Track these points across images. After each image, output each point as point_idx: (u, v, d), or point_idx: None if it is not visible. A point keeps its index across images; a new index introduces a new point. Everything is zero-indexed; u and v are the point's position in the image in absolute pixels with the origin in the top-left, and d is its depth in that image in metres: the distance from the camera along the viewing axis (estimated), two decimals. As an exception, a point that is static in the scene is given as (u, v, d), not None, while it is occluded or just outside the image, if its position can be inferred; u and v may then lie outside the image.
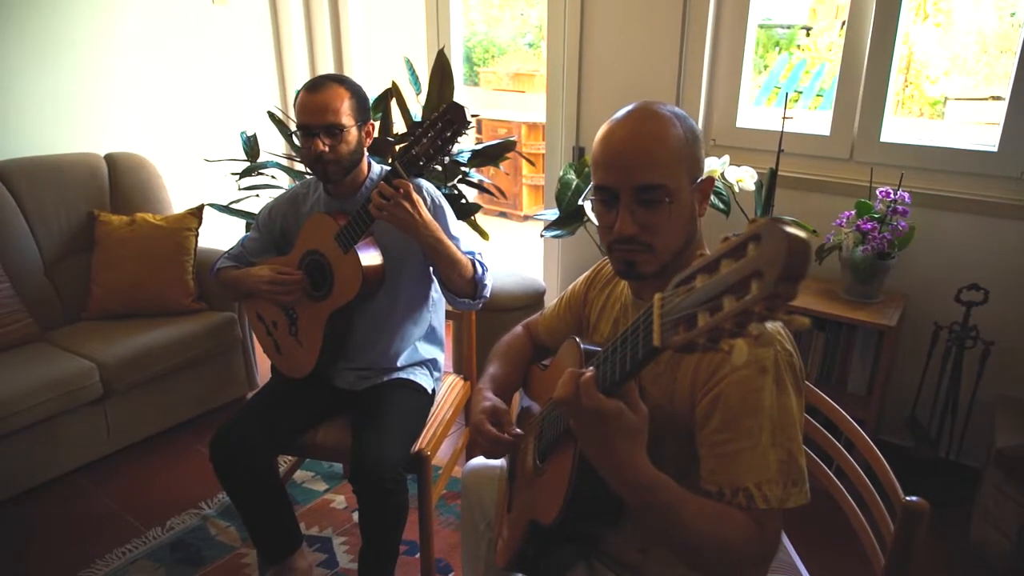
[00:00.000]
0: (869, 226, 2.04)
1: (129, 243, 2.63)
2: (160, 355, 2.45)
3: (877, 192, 2.08)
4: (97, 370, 2.30)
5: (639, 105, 1.00)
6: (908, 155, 2.24)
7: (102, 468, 2.39)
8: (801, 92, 4.89)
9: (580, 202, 1.82)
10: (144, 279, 2.61)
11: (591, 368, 0.83)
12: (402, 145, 1.87)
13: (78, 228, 2.68)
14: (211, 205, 2.65)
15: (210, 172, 3.06)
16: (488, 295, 1.78)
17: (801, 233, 0.60)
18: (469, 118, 1.56)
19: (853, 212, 2.13)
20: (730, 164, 2.24)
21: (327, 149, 1.66)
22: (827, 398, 1.37)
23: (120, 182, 2.79)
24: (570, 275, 3.05)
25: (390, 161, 1.64)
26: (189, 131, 3.23)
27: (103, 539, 2.09)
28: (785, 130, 2.26)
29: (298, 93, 1.71)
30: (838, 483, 1.35)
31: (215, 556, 2.03)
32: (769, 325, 0.97)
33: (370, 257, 1.71)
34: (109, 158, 2.81)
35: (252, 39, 3.44)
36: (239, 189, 2.68)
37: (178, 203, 2.93)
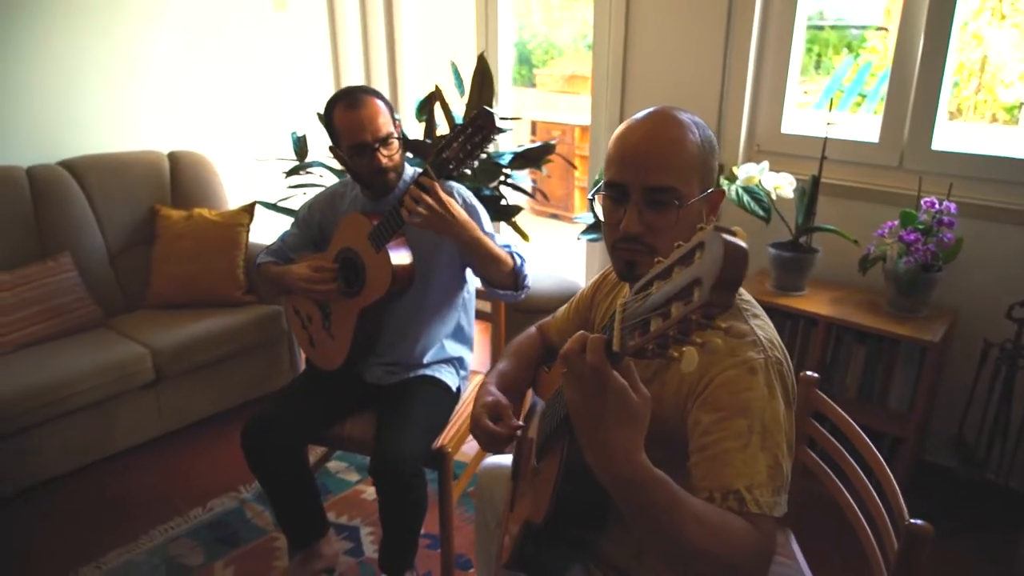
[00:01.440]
0: (912, 237, 1.96)
1: (186, 237, 2.77)
2: (209, 344, 2.58)
3: (921, 202, 2.01)
4: (150, 356, 2.44)
5: (659, 108, 1.00)
6: (960, 164, 2.15)
7: (152, 449, 2.53)
8: (865, 96, 4.72)
9: (588, 196, 1.82)
10: (199, 271, 2.74)
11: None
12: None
13: (141, 221, 2.84)
14: (260, 202, 2.76)
15: (264, 170, 3.19)
16: (530, 284, 1.79)
17: (740, 242, 0.60)
18: (499, 124, 1.59)
19: (896, 222, 2.06)
20: (770, 170, 2.20)
21: (389, 160, 1.72)
22: (840, 410, 1.34)
23: (180, 178, 2.94)
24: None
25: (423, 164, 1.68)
26: (246, 131, 3.37)
27: (149, 516, 2.21)
28: (832, 136, 2.21)
29: (329, 107, 1.74)
30: (850, 499, 1.31)
31: (250, 538, 2.12)
32: (761, 334, 0.96)
33: (400, 257, 1.76)
34: (172, 156, 2.96)
35: (309, 43, 3.56)
36: (288, 187, 2.79)
37: (234, 199, 3.06)
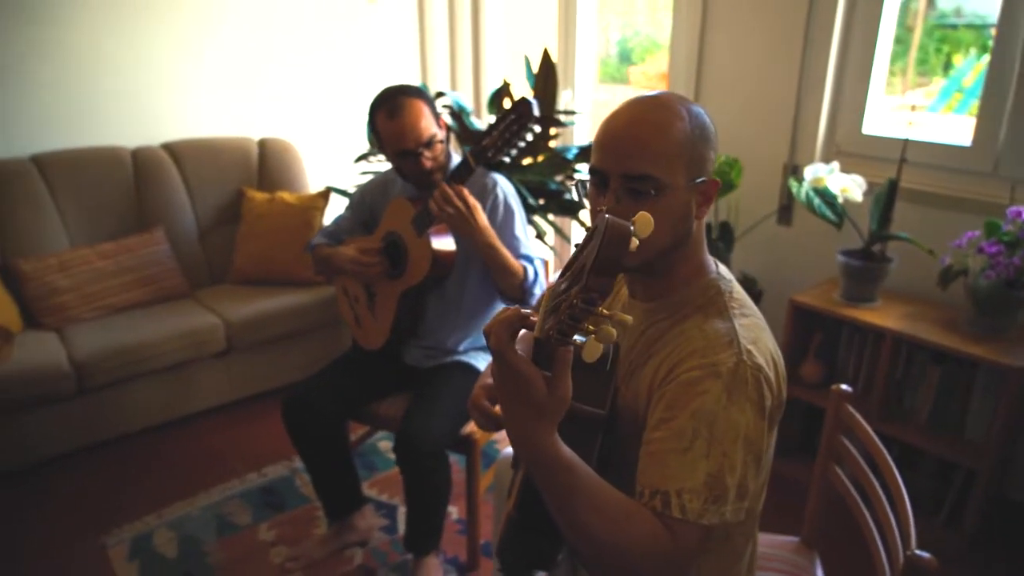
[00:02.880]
0: (994, 249, 1.78)
1: (267, 218, 2.94)
2: (277, 320, 2.73)
3: (1007, 211, 1.82)
4: (223, 327, 2.61)
5: (653, 93, 0.97)
6: (1066, 172, 1.93)
7: (220, 414, 2.71)
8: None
9: (572, 184, 1.78)
10: (276, 251, 2.90)
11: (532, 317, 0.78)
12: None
13: (229, 202, 3.04)
14: (331, 187, 2.88)
15: (345, 157, 3.33)
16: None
17: (622, 223, 0.58)
18: (535, 114, 1.60)
19: (978, 232, 1.88)
20: (841, 171, 2.06)
21: (433, 162, 1.76)
22: (868, 428, 1.24)
23: (267, 163, 3.12)
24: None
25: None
26: (332, 119, 3.52)
27: (210, 474, 2.37)
28: (920, 139, 2.04)
29: (372, 113, 1.77)
30: (871, 524, 1.22)
31: (295, 504, 2.23)
32: (744, 335, 0.91)
33: (442, 243, 1.80)
34: (261, 142, 3.15)
35: (398, 36, 3.68)
36: (360, 174, 2.90)
37: (316, 185, 3.21)
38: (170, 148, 2.96)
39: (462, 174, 1.67)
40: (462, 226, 1.64)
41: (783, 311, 2.24)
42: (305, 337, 2.85)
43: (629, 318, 0.67)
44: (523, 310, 0.77)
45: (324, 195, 2.95)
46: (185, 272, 2.87)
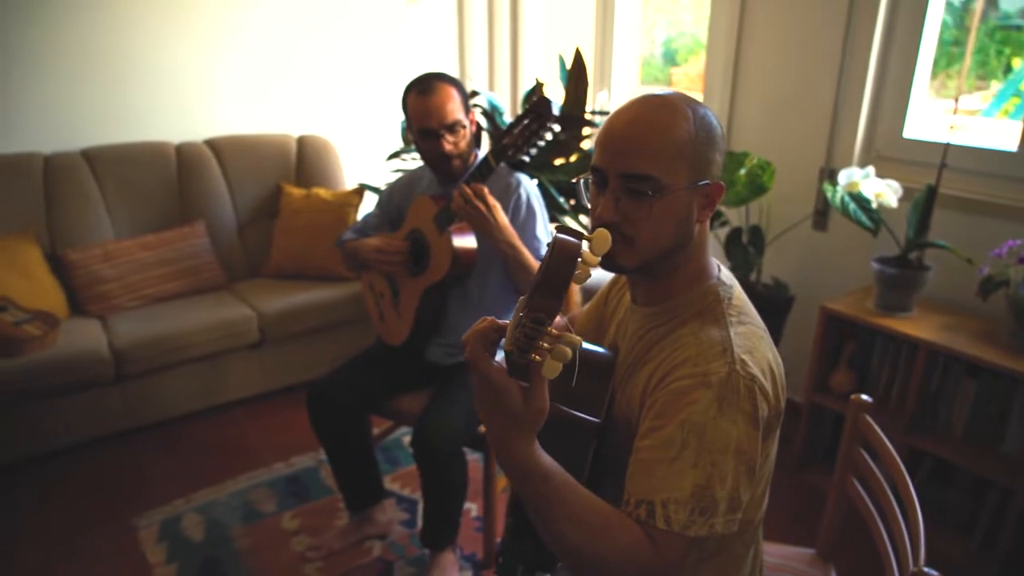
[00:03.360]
0: (1035, 260, 1.71)
1: (302, 213, 3.00)
2: (308, 314, 2.78)
3: (1051, 220, 1.74)
4: (256, 319, 2.68)
5: (659, 92, 0.96)
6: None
7: (253, 404, 2.78)
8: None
9: (573, 181, 1.76)
10: (310, 246, 2.96)
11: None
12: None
13: (267, 197, 3.11)
14: (363, 185, 2.93)
15: (382, 155, 3.37)
16: None
17: (572, 246, 0.58)
18: (554, 113, 1.60)
19: (1020, 241, 1.80)
20: (876, 176, 2.00)
21: (453, 147, 1.78)
22: (886, 441, 1.20)
23: (305, 159, 3.18)
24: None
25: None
26: (370, 118, 3.57)
27: (239, 462, 2.43)
28: (961, 143, 1.97)
29: (405, 93, 1.82)
30: (886, 541, 1.18)
31: (319, 495, 2.27)
32: (739, 343, 0.89)
33: (463, 241, 1.81)
34: (300, 139, 3.22)
35: (437, 36, 3.71)
36: (391, 172, 2.93)
37: (353, 182, 3.27)
38: (212, 144, 3.05)
39: (483, 173, 1.69)
40: (482, 225, 1.65)
41: (814, 318, 2.19)
42: (336, 331, 2.90)
43: (577, 340, 0.67)
44: (500, 320, 0.77)
45: (359, 192, 3.00)
46: (223, 265, 2.95)
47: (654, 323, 0.99)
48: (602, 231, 0.73)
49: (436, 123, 1.74)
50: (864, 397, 1.30)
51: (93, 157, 2.80)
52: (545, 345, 0.64)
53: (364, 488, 2.03)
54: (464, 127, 1.78)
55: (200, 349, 2.58)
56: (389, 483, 2.31)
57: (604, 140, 0.93)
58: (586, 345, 1.12)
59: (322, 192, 3.04)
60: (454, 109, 1.76)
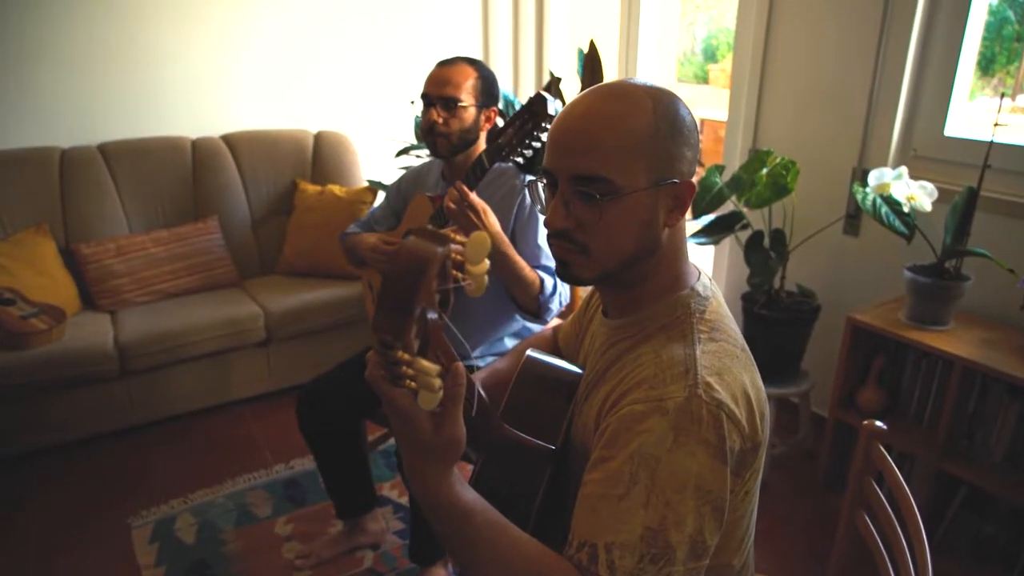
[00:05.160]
0: (1087, 272, 1.53)
1: (316, 210, 2.96)
2: (316, 313, 2.73)
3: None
4: (263, 317, 2.64)
5: (614, 81, 0.85)
6: None
7: (259, 403, 2.74)
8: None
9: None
10: (323, 244, 2.91)
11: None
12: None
13: (282, 193, 3.07)
14: (371, 182, 2.86)
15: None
16: (550, 319, 1.68)
17: (425, 253, 0.50)
18: (551, 111, 1.49)
19: (1070, 252, 1.62)
20: (911, 177, 1.84)
21: (440, 121, 1.69)
22: (898, 474, 1.07)
23: (321, 155, 3.14)
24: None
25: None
26: (390, 114, 3.51)
27: (240, 462, 2.40)
28: (1009, 142, 1.80)
29: None
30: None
31: (315, 501, 2.21)
32: (704, 363, 0.77)
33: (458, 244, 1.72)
34: (318, 135, 3.17)
35: (461, 31, 3.63)
36: (398, 168, 2.86)
37: (370, 178, 3.20)
38: (228, 139, 3.02)
39: (476, 173, 1.59)
40: (469, 228, 1.56)
41: (842, 329, 2.03)
42: (345, 331, 2.84)
43: (433, 369, 0.58)
44: None
45: (372, 189, 2.94)
46: (236, 261, 2.92)
47: (618, 337, 0.88)
48: (479, 235, 0.64)
49: (434, 91, 1.68)
50: (878, 424, 1.16)
51: (109, 151, 2.80)
52: (407, 372, 0.55)
53: (355, 496, 1.96)
54: (463, 107, 1.68)
55: (205, 346, 2.55)
56: (386, 491, 2.24)
57: (552, 138, 0.83)
58: (549, 359, 1.02)
59: (336, 189, 2.99)
60: (459, 87, 1.67)
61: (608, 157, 0.78)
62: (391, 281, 0.49)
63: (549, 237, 0.86)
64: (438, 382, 0.59)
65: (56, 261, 2.62)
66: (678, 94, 0.84)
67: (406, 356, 0.54)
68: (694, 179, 0.84)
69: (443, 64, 1.72)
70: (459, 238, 0.65)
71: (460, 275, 0.65)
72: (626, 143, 0.78)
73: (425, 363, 0.56)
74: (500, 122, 1.76)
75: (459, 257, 0.64)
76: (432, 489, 0.69)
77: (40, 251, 2.60)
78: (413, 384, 0.57)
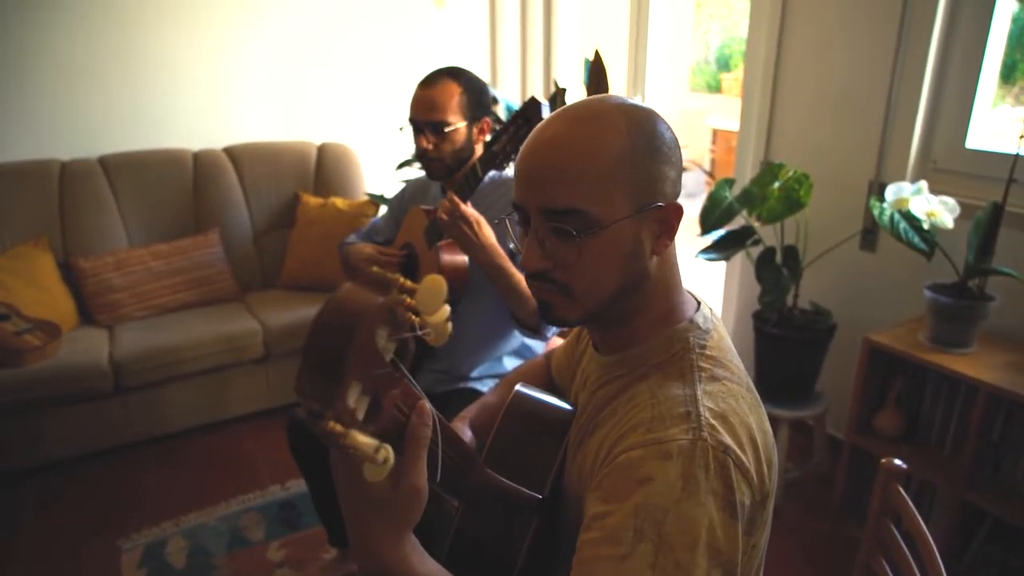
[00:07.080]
0: (1122, 294, 1.44)
1: (318, 223, 2.91)
2: (315, 328, 2.67)
3: None
4: (261, 333, 2.58)
5: (583, 100, 0.77)
6: None
7: (256, 421, 2.68)
8: None
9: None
10: (324, 257, 2.85)
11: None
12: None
13: (284, 206, 3.03)
14: (368, 194, 2.81)
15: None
16: (551, 335, 1.61)
17: (359, 308, 0.43)
18: (545, 116, 1.42)
19: (1103, 272, 1.53)
20: (930, 191, 1.75)
21: (431, 147, 1.63)
22: (918, 517, 0.98)
23: (324, 168, 3.09)
24: (717, 304, 2.67)
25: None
26: (395, 126, 3.46)
27: (235, 482, 2.33)
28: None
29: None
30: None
31: (308, 524, 2.14)
32: (707, 405, 0.69)
33: (453, 258, 1.65)
34: (321, 147, 3.13)
35: (468, 41, 3.58)
36: (400, 181, 2.80)
37: (374, 190, 3.15)
38: (230, 151, 2.99)
39: (470, 183, 1.52)
40: (463, 242, 1.49)
41: (859, 349, 1.94)
42: (346, 347, 2.78)
43: (371, 444, 0.50)
44: None
45: (373, 203, 2.89)
46: (237, 275, 2.88)
47: (609, 376, 0.80)
48: (433, 278, 0.56)
49: (420, 116, 1.62)
50: (897, 462, 1.08)
51: (110, 164, 2.77)
52: (341, 433, 0.48)
53: (348, 522, 1.88)
54: (452, 130, 1.62)
55: (202, 363, 2.50)
56: (384, 514, 2.16)
57: (519, 169, 0.75)
58: (539, 394, 0.95)
59: (338, 202, 2.94)
60: (445, 109, 1.60)
61: (582, 186, 0.70)
62: (316, 339, 0.42)
63: (527, 278, 0.78)
64: (383, 454, 0.51)
65: (54, 275, 2.59)
66: (657, 110, 0.76)
67: (338, 428, 0.46)
68: (679, 199, 0.77)
69: (425, 84, 1.64)
70: (408, 284, 0.58)
71: (418, 319, 0.57)
72: (601, 168, 0.70)
73: (361, 438, 0.48)
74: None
75: (412, 301, 0.57)
76: (384, 557, 0.60)
77: (38, 265, 2.57)
78: (352, 451, 0.50)
